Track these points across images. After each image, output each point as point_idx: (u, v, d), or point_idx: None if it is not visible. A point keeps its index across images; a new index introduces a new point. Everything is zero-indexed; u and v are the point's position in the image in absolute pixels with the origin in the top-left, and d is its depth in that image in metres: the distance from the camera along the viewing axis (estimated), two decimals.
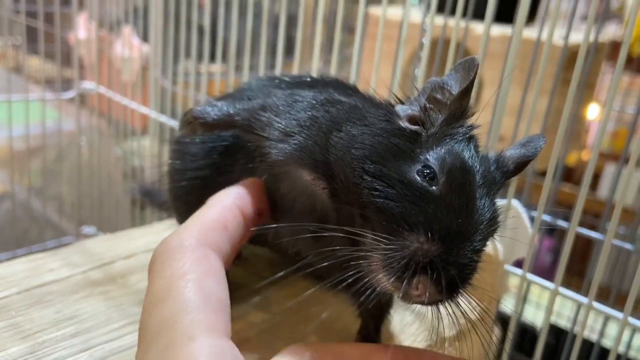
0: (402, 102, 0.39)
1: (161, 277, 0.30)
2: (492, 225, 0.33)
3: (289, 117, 0.38)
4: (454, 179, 0.32)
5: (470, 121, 0.37)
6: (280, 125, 0.38)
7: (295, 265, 0.36)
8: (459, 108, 0.36)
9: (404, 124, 0.36)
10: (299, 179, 0.37)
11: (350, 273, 0.32)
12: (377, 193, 0.31)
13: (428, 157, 0.33)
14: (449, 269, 0.30)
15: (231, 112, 0.41)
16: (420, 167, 0.32)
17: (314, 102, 0.39)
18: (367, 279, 0.32)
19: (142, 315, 0.29)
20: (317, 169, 0.36)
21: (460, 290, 0.31)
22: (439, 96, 0.36)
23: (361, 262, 0.32)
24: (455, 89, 0.35)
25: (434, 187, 0.32)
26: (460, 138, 0.35)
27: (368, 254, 0.31)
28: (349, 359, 0.31)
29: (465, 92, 0.35)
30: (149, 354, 0.27)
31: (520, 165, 0.38)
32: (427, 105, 0.36)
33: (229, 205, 0.36)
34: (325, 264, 0.34)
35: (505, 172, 0.37)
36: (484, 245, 0.33)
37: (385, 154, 0.33)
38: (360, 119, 0.36)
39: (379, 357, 0.32)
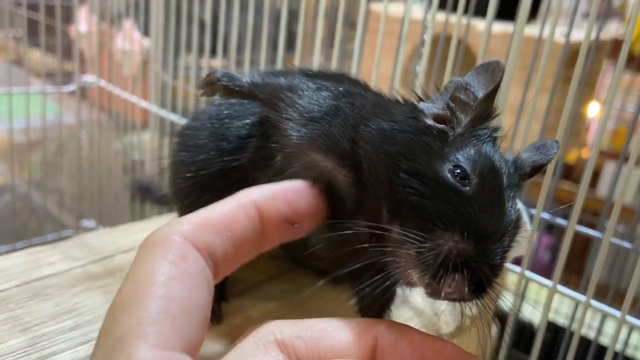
0: (421, 99, 0.39)
1: (133, 272, 0.28)
2: (517, 227, 0.34)
3: (314, 102, 0.38)
4: (486, 181, 0.32)
5: (494, 123, 0.37)
6: (303, 109, 0.38)
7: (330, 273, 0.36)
8: (485, 110, 0.36)
9: (430, 122, 0.36)
10: (317, 165, 0.37)
11: (382, 274, 0.32)
12: (412, 191, 0.31)
13: (458, 156, 0.33)
14: (482, 269, 0.30)
15: (257, 82, 0.40)
16: (451, 166, 0.32)
17: (337, 92, 0.39)
18: (392, 274, 0.32)
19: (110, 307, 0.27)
20: (341, 158, 0.36)
21: (489, 290, 0.31)
22: (462, 97, 0.36)
23: (387, 257, 0.32)
24: (478, 91, 0.36)
25: (466, 188, 0.32)
26: (487, 139, 0.35)
27: (398, 250, 0.31)
28: (331, 345, 0.29)
29: (492, 94, 0.36)
30: (93, 357, 0.25)
31: (535, 169, 0.38)
32: (452, 104, 0.36)
33: (245, 203, 0.32)
34: (352, 265, 0.34)
35: (522, 175, 0.37)
36: (511, 246, 0.33)
37: (418, 151, 0.33)
38: (386, 114, 0.36)
39: (367, 341, 0.30)
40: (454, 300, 0.31)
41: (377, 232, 0.33)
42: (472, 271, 0.30)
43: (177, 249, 0.28)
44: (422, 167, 0.32)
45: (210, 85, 0.41)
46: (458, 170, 0.32)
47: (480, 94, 0.36)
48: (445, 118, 0.36)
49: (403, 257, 0.31)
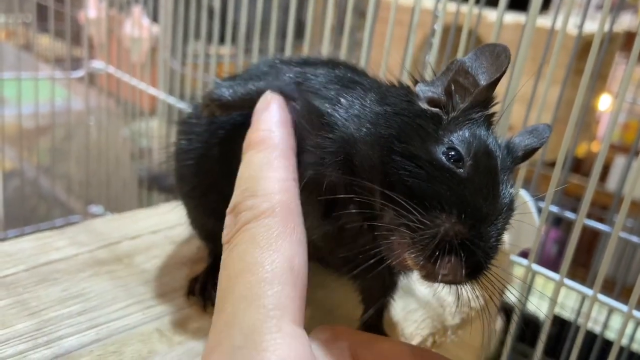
0: (417, 82, 0.38)
1: (248, 243, 0.29)
2: (511, 209, 0.34)
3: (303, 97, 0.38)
4: (480, 163, 0.32)
5: (492, 109, 0.37)
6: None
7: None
8: (484, 98, 0.36)
9: (424, 105, 0.35)
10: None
11: (375, 259, 0.32)
12: (406, 173, 0.31)
13: (452, 139, 0.33)
14: (478, 251, 0.30)
15: (246, 92, 0.41)
16: (445, 149, 0.32)
17: (328, 78, 0.39)
18: (386, 257, 0.32)
19: (222, 280, 0.28)
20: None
21: (484, 272, 0.31)
22: (462, 80, 0.36)
23: (381, 241, 0.32)
24: (480, 76, 0.35)
25: (461, 170, 0.32)
26: (481, 123, 0.35)
27: (392, 231, 0.31)
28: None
29: (494, 84, 0.35)
30: (224, 344, 0.26)
31: (528, 153, 0.38)
32: (450, 87, 0.36)
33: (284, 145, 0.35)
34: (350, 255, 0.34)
35: (515, 159, 0.37)
36: (505, 229, 0.33)
37: (411, 134, 0.33)
38: (381, 97, 0.36)
39: None
40: (449, 282, 0.31)
41: (370, 219, 0.33)
42: (468, 253, 0.29)
43: (285, 217, 0.31)
44: (416, 149, 0.32)
45: (207, 107, 0.42)
46: (452, 153, 0.32)
47: (482, 80, 0.35)
48: (440, 102, 0.36)
49: (397, 239, 0.31)
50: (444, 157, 0.32)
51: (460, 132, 0.34)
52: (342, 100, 0.37)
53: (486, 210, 0.31)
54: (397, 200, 0.31)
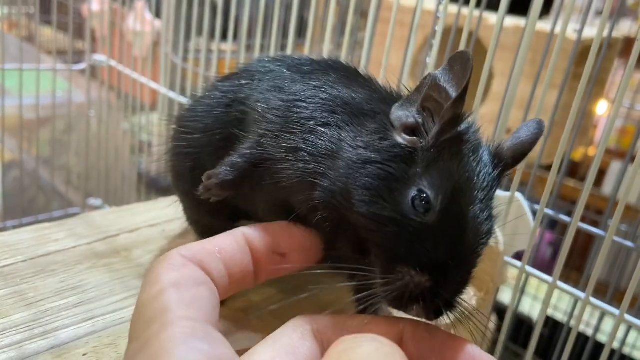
0: (395, 98, 0.38)
1: (143, 289, 0.32)
2: (488, 236, 0.35)
3: (289, 138, 0.37)
4: (450, 202, 0.33)
5: (470, 119, 0.36)
6: (284, 145, 0.37)
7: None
8: (454, 115, 0.34)
9: (399, 137, 0.35)
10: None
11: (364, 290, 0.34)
12: (373, 232, 0.33)
13: (422, 179, 0.33)
14: (440, 294, 0.32)
15: (239, 162, 0.40)
16: (415, 192, 0.33)
17: (313, 120, 0.38)
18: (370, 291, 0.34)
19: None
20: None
21: (454, 306, 0.34)
22: (435, 95, 0.34)
23: (363, 281, 0.34)
24: (451, 89, 0.33)
25: (427, 217, 0.32)
26: (455, 146, 0.34)
27: (370, 277, 0.34)
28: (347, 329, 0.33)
29: (460, 99, 0.33)
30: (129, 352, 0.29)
31: (518, 157, 0.38)
32: (424, 106, 0.35)
33: (235, 233, 0.36)
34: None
35: (505, 167, 0.37)
36: (479, 258, 0.35)
37: (380, 187, 0.33)
38: (355, 136, 0.36)
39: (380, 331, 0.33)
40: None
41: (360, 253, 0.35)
42: (430, 300, 0.32)
43: (176, 262, 0.32)
44: (382, 209, 0.33)
45: (209, 191, 0.41)
46: (423, 195, 0.33)
47: (453, 93, 0.33)
48: (416, 127, 0.35)
49: (374, 285, 0.34)
50: (411, 204, 0.33)
51: (432, 170, 0.33)
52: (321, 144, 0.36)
53: (446, 259, 0.32)
54: (371, 251, 0.34)
